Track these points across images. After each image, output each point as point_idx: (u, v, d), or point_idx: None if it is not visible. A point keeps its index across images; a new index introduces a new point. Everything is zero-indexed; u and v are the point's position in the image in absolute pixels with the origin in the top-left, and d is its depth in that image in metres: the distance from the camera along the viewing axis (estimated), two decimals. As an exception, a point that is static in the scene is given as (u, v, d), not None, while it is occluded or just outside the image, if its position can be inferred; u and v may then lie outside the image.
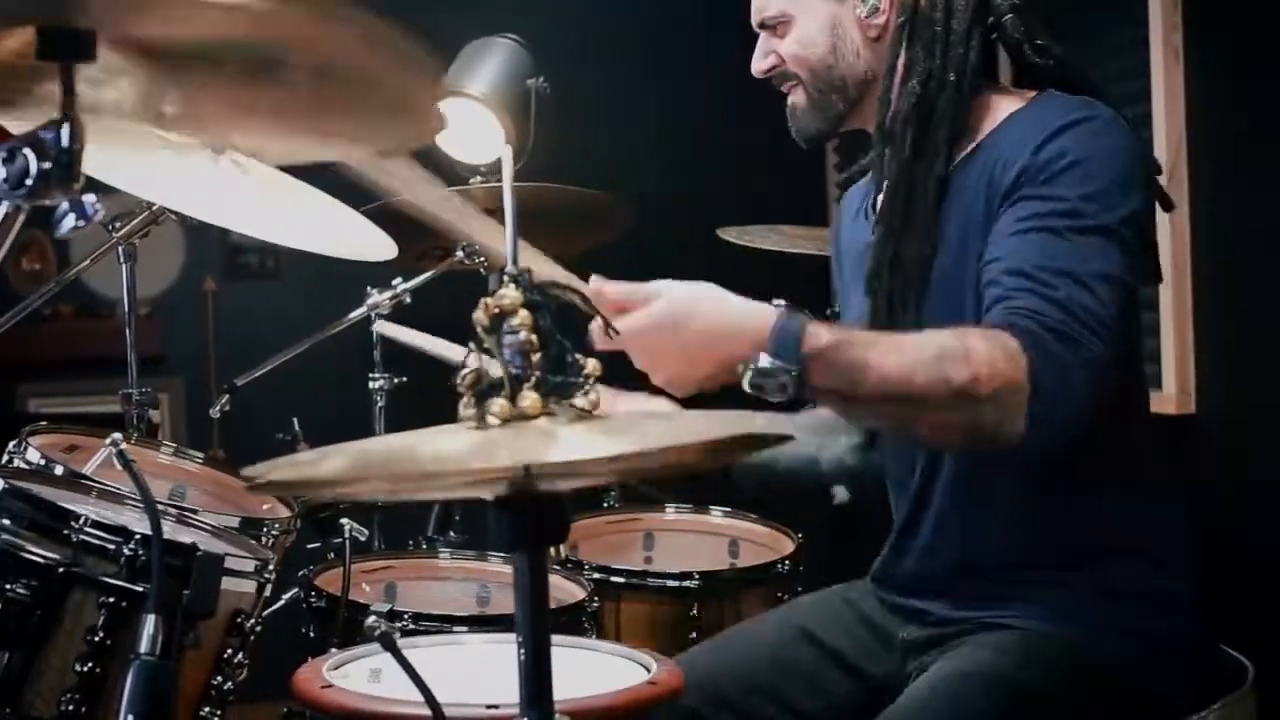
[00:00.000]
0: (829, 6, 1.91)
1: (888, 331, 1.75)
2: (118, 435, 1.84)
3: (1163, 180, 1.91)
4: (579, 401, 1.23)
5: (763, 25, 1.97)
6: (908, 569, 1.93)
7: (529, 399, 1.22)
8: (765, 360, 1.60)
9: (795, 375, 1.59)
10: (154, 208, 2.48)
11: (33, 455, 2.16)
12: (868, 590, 2.02)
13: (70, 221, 1.30)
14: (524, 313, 1.24)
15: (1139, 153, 1.81)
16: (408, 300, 2.97)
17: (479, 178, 3.24)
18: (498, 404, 1.22)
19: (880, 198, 1.94)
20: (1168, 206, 1.94)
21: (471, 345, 1.25)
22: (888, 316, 1.84)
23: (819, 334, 1.61)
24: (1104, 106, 1.82)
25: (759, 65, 1.98)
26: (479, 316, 1.24)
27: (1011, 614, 1.82)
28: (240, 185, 2.37)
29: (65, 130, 1.23)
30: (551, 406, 1.23)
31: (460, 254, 3.01)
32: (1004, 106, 1.86)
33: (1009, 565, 1.82)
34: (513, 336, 1.23)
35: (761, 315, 1.64)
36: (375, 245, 2.49)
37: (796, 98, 1.97)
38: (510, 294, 1.24)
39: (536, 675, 1.26)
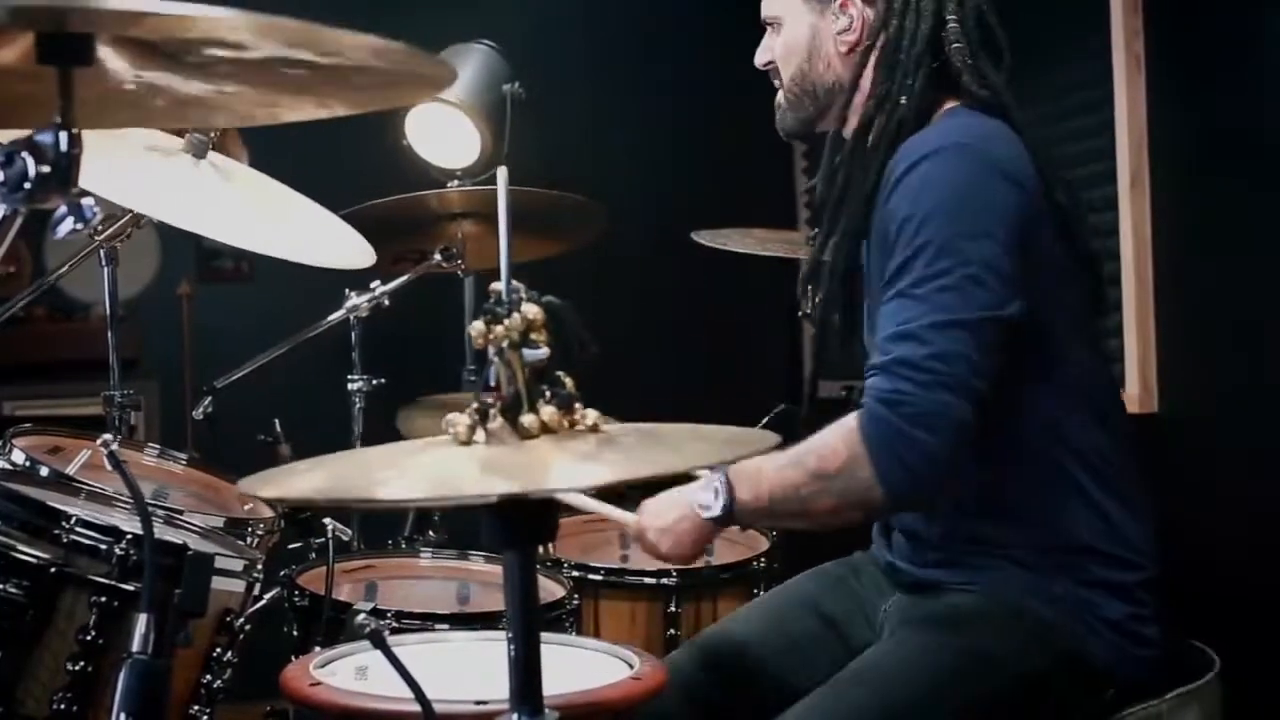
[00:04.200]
0: (811, 17, 2.02)
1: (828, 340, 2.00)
2: (108, 436, 1.85)
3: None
4: (588, 418, 1.28)
5: (766, 21, 2.09)
6: (898, 538, 2.02)
7: (547, 413, 1.27)
8: (703, 478, 1.88)
9: (722, 481, 1.84)
10: (135, 211, 2.48)
11: (17, 457, 2.17)
12: (867, 561, 2.12)
13: (69, 225, 1.30)
14: (545, 330, 1.28)
15: (990, 178, 1.83)
16: (386, 303, 2.98)
17: (455, 181, 3.27)
18: (547, 411, 1.26)
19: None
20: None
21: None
22: (823, 322, 2.00)
23: (736, 462, 1.84)
24: (976, 132, 1.87)
25: (758, 58, 2.11)
26: (504, 332, 1.27)
27: (984, 581, 1.90)
28: (220, 191, 2.39)
29: (63, 134, 1.23)
30: (564, 421, 1.27)
31: (437, 257, 3.03)
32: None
33: (976, 539, 1.91)
34: (533, 351, 1.27)
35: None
36: (353, 252, 2.51)
37: (780, 95, 2.09)
38: (533, 309, 1.28)
39: (527, 671, 1.28)
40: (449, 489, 1.29)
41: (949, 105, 1.94)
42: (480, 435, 1.28)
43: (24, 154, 1.24)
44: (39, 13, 1.19)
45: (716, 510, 1.84)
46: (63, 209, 1.29)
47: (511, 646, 1.29)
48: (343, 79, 1.32)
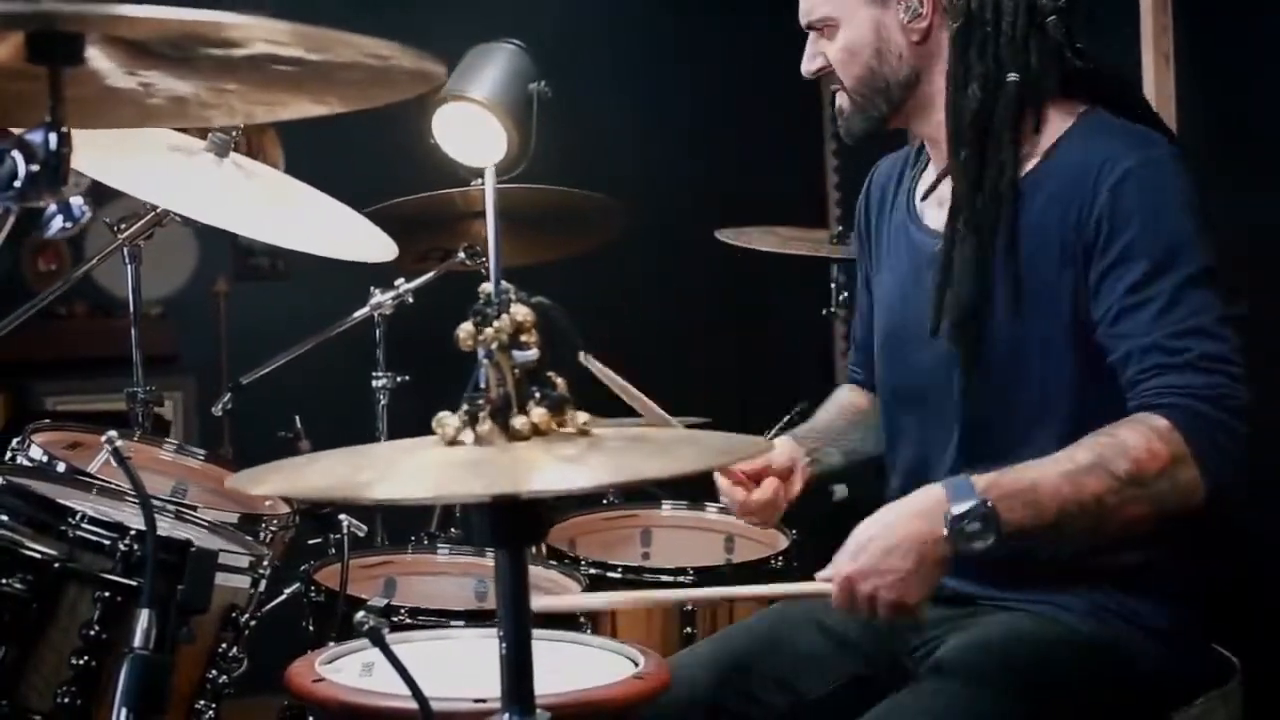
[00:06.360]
0: (872, 11, 1.92)
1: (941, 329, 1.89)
2: (113, 433, 1.86)
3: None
4: (578, 420, 1.28)
5: (810, 27, 1.99)
6: None
7: (537, 414, 1.26)
8: (958, 509, 1.67)
9: (989, 508, 1.66)
10: (158, 210, 2.51)
11: (35, 452, 2.19)
12: None
13: (58, 223, 1.31)
14: (534, 332, 1.27)
15: (1194, 180, 1.84)
16: (410, 300, 3.00)
17: (479, 179, 3.28)
18: (538, 413, 1.26)
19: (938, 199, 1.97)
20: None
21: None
22: (968, 316, 1.88)
23: (981, 476, 1.70)
24: (1157, 135, 1.86)
25: (808, 66, 2.00)
26: (493, 334, 1.27)
27: (1023, 595, 1.86)
28: (244, 188, 2.41)
29: (53, 133, 1.24)
30: (554, 424, 1.27)
31: (461, 255, 3.04)
32: (1056, 118, 1.88)
33: (1023, 549, 1.81)
34: (524, 353, 1.27)
35: (926, 490, 1.73)
36: (375, 246, 2.53)
37: (842, 100, 1.99)
38: (523, 310, 1.27)
39: (518, 671, 1.28)
40: (436, 489, 1.30)
41: (1080, 108, 1.88)
42: (469, 436, 1.28)
43: (14, 153, 1.25)
44: (27, 15, 1.20)
45: (987, 542, 1.67)
46: (52, 208, 1.31)
47: (503, 645, 1.29)
48: (335, 76, 1.33)
